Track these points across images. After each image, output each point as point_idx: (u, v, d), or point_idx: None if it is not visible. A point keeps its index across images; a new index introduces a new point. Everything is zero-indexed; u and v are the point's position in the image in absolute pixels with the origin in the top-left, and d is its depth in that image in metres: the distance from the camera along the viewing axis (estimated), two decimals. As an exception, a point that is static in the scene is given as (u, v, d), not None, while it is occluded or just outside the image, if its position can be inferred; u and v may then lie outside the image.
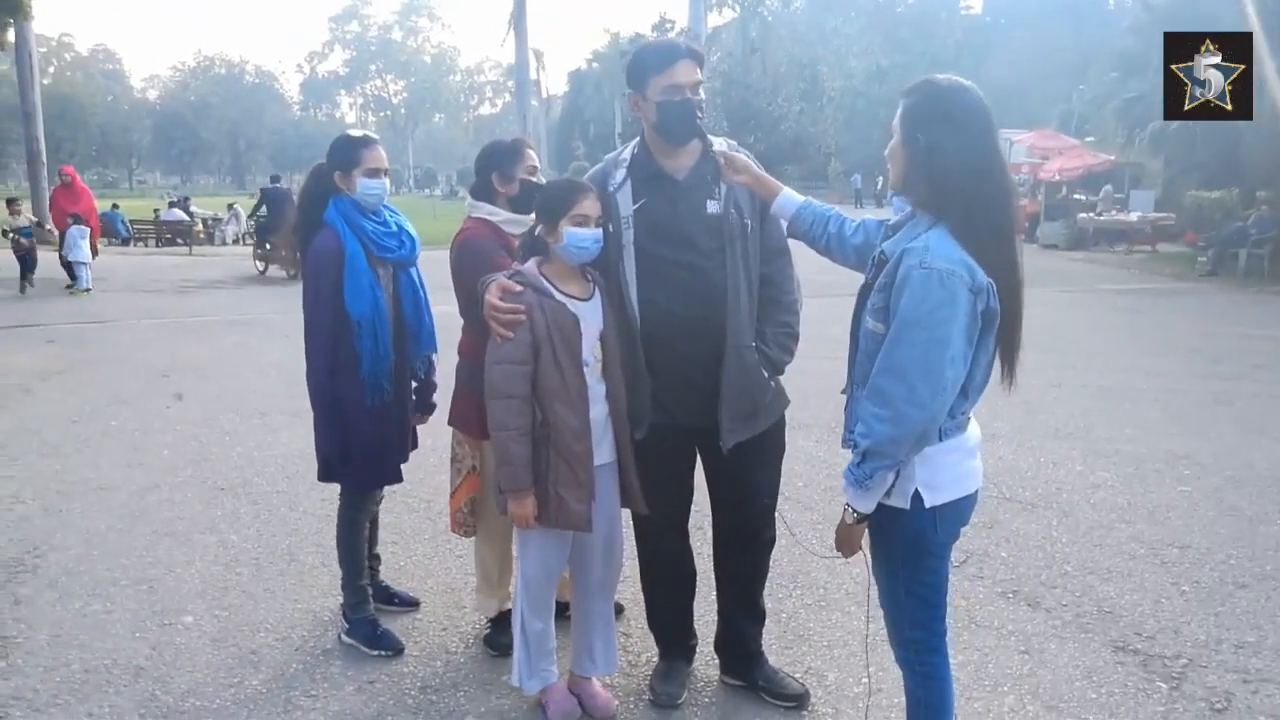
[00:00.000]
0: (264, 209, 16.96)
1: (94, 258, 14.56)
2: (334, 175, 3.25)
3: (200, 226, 25.13)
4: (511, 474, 2.71)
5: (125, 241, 23.86)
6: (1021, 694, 3.12)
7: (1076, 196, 22.62)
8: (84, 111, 64.38)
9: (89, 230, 14.42)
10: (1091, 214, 21.64)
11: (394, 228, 3.36)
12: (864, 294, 2.26)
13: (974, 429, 2.30)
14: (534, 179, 3.25)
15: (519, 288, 2.70)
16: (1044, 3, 47.70)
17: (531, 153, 3.32)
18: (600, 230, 2.74)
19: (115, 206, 25.30)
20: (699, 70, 2.76)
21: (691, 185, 2.81)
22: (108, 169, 78.29)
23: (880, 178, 39.59)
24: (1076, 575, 4.03)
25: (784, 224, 2.71)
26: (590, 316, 2.79)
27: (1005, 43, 50.07)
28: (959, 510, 2.27)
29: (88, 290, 13.75)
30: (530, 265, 2.78)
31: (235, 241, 24.93)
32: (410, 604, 3.76)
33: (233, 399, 7.19)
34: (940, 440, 2.16)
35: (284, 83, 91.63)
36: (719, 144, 2.89)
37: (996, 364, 2.21)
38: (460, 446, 3.38)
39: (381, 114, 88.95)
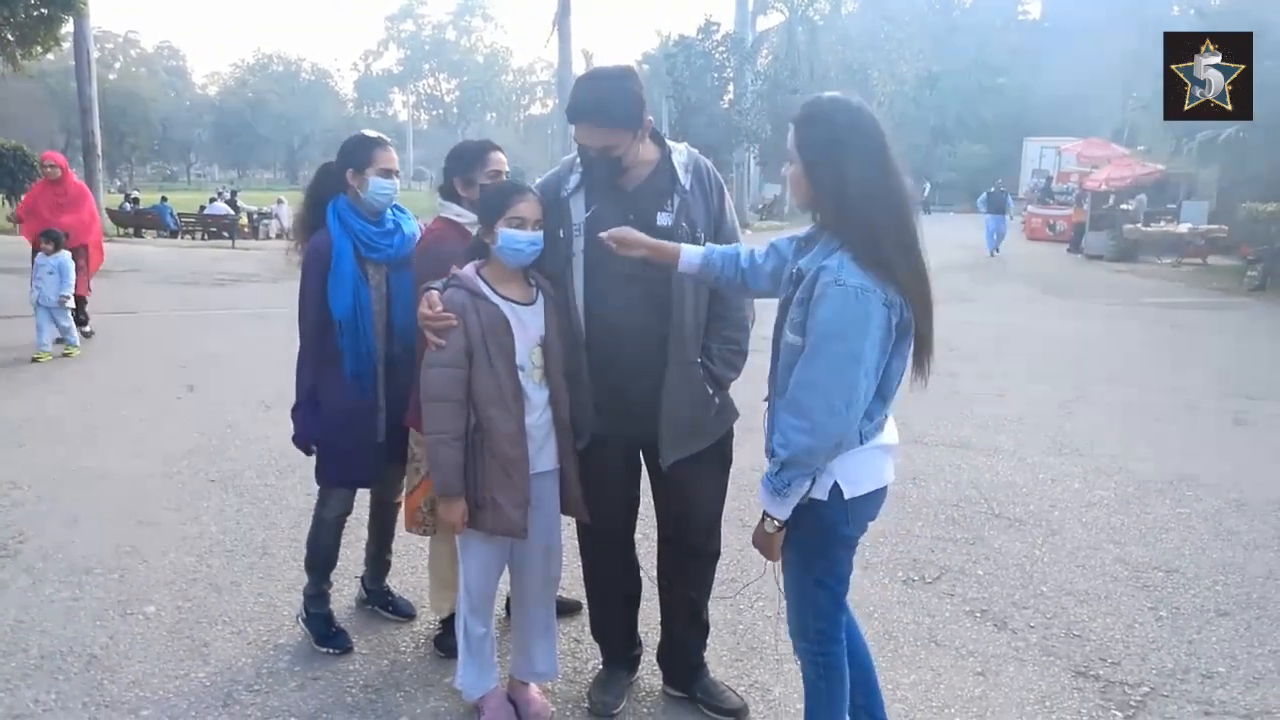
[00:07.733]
0: None
1: (87, 299, 9.11)
2: (346, 173, 3.25)
3: (245, 220, 25.65)
4: (442, 478, 2.70)
5: (173, 234, 24.43)
6: (968, 717, 3.04)
7: (1124, 207, 22.03)
8: (146, 107, 65.97)
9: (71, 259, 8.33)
10: (1138, 225, 21.08)
11: (390, 227, 3.34)
12: (784, 308, 2.30)
13: (891, 430, 2.35)
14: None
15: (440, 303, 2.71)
16: (1108, 8, 46.44)
17: (498, 156, 3.27)
18: (538, 234, 2.72)
19: (164, 199, 25.95)
20: (609, 134, 2.63)
21: (642, 195, 2.77)
22: (168, 163, 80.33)
23: (927, 184, 39.05)
24: (1051, 596, 3.91)
25: (697, 275, 2.59)
26: (530, 321, 2.77)
27: (1063, 49, 48.98)
28: (871, 503, 2.34)
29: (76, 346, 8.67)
30: (469, 268, 2.78)
31: (279, 236, 25.37)
32: (405, 616, 3.69)
33: (243, 391, 7.29)
34: (861, 443, 2.23)
35: (338, 80, 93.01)
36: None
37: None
38: (418, 446, 3.36)
39: (434, 112, 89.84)
